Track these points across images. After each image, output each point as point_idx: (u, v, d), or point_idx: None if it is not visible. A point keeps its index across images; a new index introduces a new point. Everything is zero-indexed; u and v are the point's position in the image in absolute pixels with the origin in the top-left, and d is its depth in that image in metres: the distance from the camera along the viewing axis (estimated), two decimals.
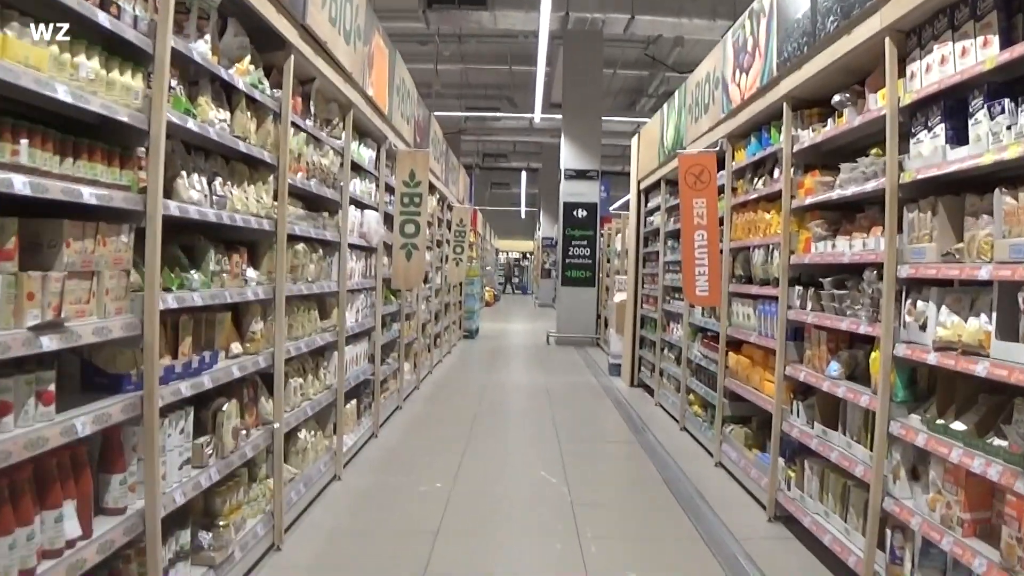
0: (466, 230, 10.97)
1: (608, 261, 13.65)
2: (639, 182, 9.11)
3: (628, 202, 23.36)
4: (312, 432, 4.46)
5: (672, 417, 7.20)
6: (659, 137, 7.86)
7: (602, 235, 14.15)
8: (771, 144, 4.72)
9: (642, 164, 8.97)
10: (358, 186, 5.53)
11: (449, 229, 11.03)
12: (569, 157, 13.97)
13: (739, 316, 5.21)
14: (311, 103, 4.39)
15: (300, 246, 4.16)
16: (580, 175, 13.89)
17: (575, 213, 13.90)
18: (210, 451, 2.97)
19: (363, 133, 5.80)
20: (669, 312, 7.63)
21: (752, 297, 4.97)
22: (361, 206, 5.68)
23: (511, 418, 7.41)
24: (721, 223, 5.44)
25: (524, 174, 26.89)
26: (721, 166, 5.52)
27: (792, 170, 4.25)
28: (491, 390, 8.84)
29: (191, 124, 2.74)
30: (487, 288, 27.47)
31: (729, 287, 5.36)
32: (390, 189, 6.42)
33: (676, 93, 7.16)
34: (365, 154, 5.76)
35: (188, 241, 3.01)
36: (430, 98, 17.49)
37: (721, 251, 5.41)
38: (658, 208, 8.29)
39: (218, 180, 3.08)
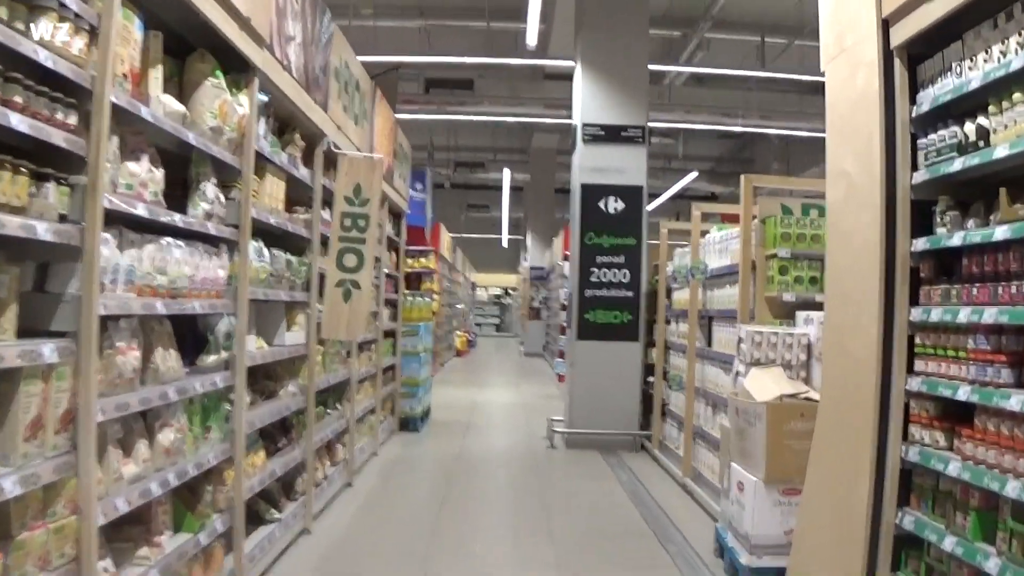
0: (368, 214, 4.51)
1: (668, 295, 7.25)
2: (886, 30, 2.80)
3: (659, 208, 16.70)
4: None
5: None
6: None
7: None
8: None
9: None
10: None
11: (328, 209, 4.59)
12: (591, 106, 7.64)
13: None
14: None
15: None
16: (612, 135, 7.54)
17: (602, 205, 7.53)
18: None
19: None
20: None
21: None
22: None
23: None
24: None
25: (506, 176, 20.20)
26: None
27: None
28: None
29: None
30: (459, 333, 21.04)
31: None
32: None
33: None
34: None
35: None
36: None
37: None
38: (999, 87, 1.99)
39: None
